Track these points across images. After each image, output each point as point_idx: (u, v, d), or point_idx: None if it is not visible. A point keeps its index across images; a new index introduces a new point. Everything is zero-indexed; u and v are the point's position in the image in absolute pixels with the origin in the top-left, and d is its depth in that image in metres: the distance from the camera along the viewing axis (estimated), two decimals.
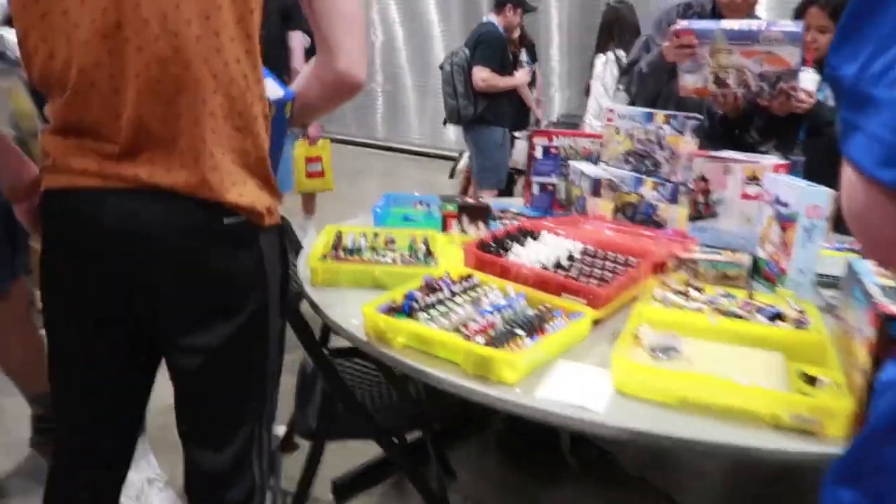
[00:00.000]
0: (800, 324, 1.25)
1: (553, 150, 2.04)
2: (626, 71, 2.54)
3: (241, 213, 1.04)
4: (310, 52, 3.55)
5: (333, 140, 4.33)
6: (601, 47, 3.96)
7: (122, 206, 1.00)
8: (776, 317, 1.28)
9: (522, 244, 1.44)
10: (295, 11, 3.33)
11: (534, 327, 1.14)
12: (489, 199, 4.26)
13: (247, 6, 1.01)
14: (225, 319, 1.07)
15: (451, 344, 1.08)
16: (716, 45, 2.09)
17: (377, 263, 1.43)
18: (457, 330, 1.14)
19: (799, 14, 2.37)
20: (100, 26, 0.96)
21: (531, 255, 1.39)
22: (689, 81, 2.18)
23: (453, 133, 8.20)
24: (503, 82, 4.10)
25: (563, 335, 1.13)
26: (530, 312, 1.20)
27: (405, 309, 1.18)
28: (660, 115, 1.79)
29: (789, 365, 1.12)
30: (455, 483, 2.00)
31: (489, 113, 4.16)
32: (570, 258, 1.39)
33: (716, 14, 2.40)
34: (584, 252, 1.42)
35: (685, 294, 1.40)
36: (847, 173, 0.49)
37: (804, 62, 2.19)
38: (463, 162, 5.40)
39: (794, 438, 0.94)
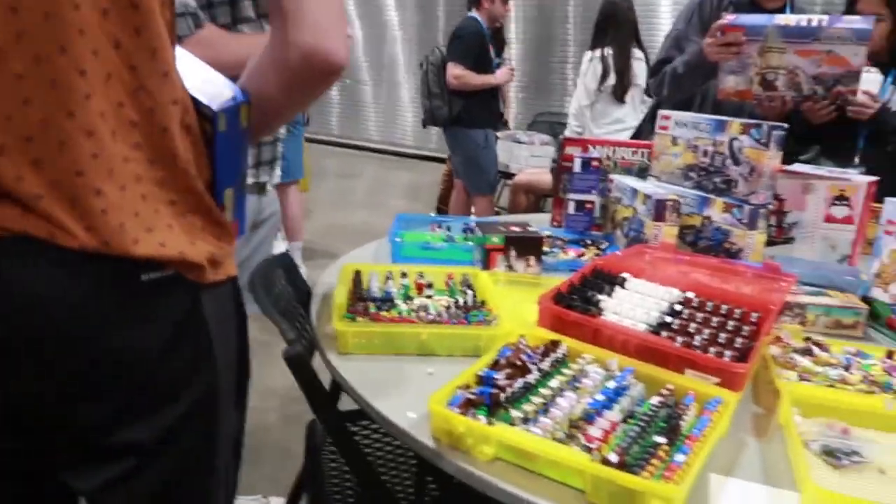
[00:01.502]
0: None
1: (594, 164, 1.72)
2: (654, 71, 2.25)
3: (165, 266, 0.72)
4: None
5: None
6: (595, 44, 3.68)
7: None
8: None
9: (608, 293, 1.12)
10: None
11: (671, 429, 0.82)
12: (482, 208, 3.99)
13: None
14: (145, 423, 0.75)
15: (571, 464, 0.75)
16: (767, 44, 1.82)
17: (420, 322, 1.08)
18: (570, 437, 0.81)
19: (850, 2, 2.12)
20: None
21: (624, 309, 1.07)
22: (730, 83, 1.91)
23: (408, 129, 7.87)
24: (479, 80, 3.80)
25: (712, 438, 0.81)
26: (655, 402, 0.88)
27: (486, 400, 0.85)
28: (735, 123, 1.49)
29: None
30: None
31: (466, 114, 3.86)
32: (674, 312, 1.08)
33: (754, 5, 2.13)
34: (688, 303, 1.11)
35: (809, 353, 1.11)
36: None
37: None
38: None
39: None
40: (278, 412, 2.35)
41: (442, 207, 4.82)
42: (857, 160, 1.99)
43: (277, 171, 1.43)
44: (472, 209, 4.08)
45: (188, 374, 0.77)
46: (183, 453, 0.79)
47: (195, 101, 0.80)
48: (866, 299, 1.30)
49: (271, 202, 1.60)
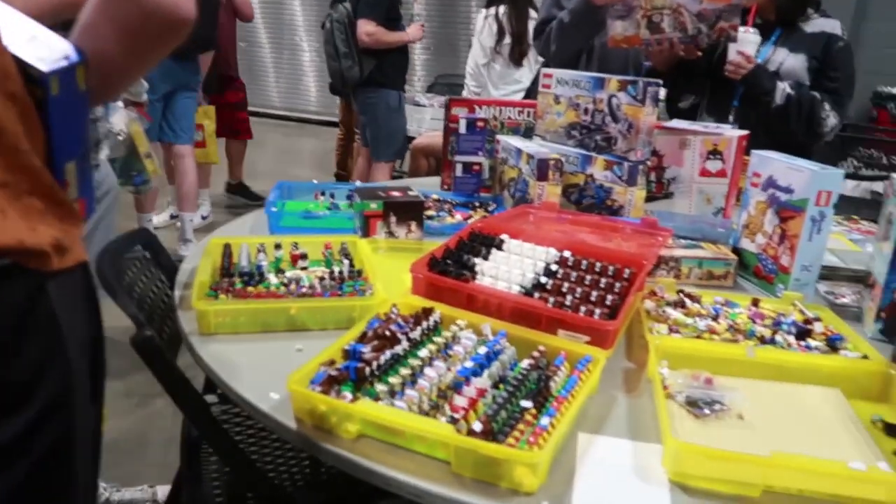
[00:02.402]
0: (833, 341, 1.02)
1: (480, 124, 1.69)
2: (538, 32, 2.23)
3: (2, 254, 0.64)
4: None
5: None
6: (491, 2, 3.62)
7: None
8: (805, 334, 1.04)
9: (484, 256, 1.10)
10: None
11: (540, 392, 0.81)
12: (383, 175, 3.88)
13: None
14: None
15: (435, 437, 0.73)
16: None
17: (290, 296, 1.03)
18: (435, 408, 0.78)
19: None
20: None
21: (500, 272, 1.05)
22: (618, 29, 1.89)
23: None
24: (392, 38, 3.56)
25: (579, 398, 0.81)
26: (525, 365, 0.86)
27: (352, 375, 0.81)
28: (613, 80, 1.49)
29: (856, 408, 0.88)
30: None
31: (379, 73, 3.62)
32: (549, 272, 1.07)
33: None
34: (564, 262, 1.10)
35: (682, 305, 1.13)
36: None
37: (745, 20, 1.99)
38: None
39: None
40: (164, 398, 2.23)
41: (341, 173, 4.70)
42: (731, 118, 2.05)
43: (105, 151, 1.34)
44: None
45: (38, 372, 0.69)
46: (37, 460, 0.71)
47: (21, 64, 0.69)
48: (736, 250, 1.35)
49: (105, 178, 1.51)
